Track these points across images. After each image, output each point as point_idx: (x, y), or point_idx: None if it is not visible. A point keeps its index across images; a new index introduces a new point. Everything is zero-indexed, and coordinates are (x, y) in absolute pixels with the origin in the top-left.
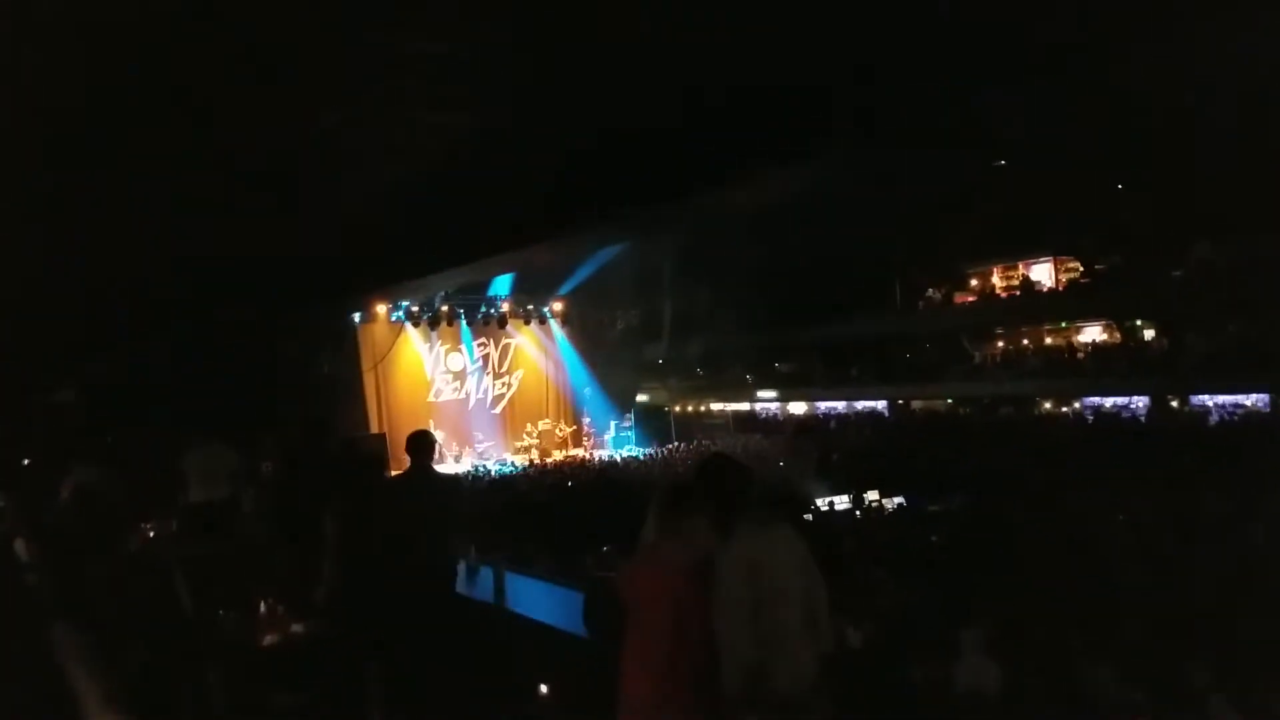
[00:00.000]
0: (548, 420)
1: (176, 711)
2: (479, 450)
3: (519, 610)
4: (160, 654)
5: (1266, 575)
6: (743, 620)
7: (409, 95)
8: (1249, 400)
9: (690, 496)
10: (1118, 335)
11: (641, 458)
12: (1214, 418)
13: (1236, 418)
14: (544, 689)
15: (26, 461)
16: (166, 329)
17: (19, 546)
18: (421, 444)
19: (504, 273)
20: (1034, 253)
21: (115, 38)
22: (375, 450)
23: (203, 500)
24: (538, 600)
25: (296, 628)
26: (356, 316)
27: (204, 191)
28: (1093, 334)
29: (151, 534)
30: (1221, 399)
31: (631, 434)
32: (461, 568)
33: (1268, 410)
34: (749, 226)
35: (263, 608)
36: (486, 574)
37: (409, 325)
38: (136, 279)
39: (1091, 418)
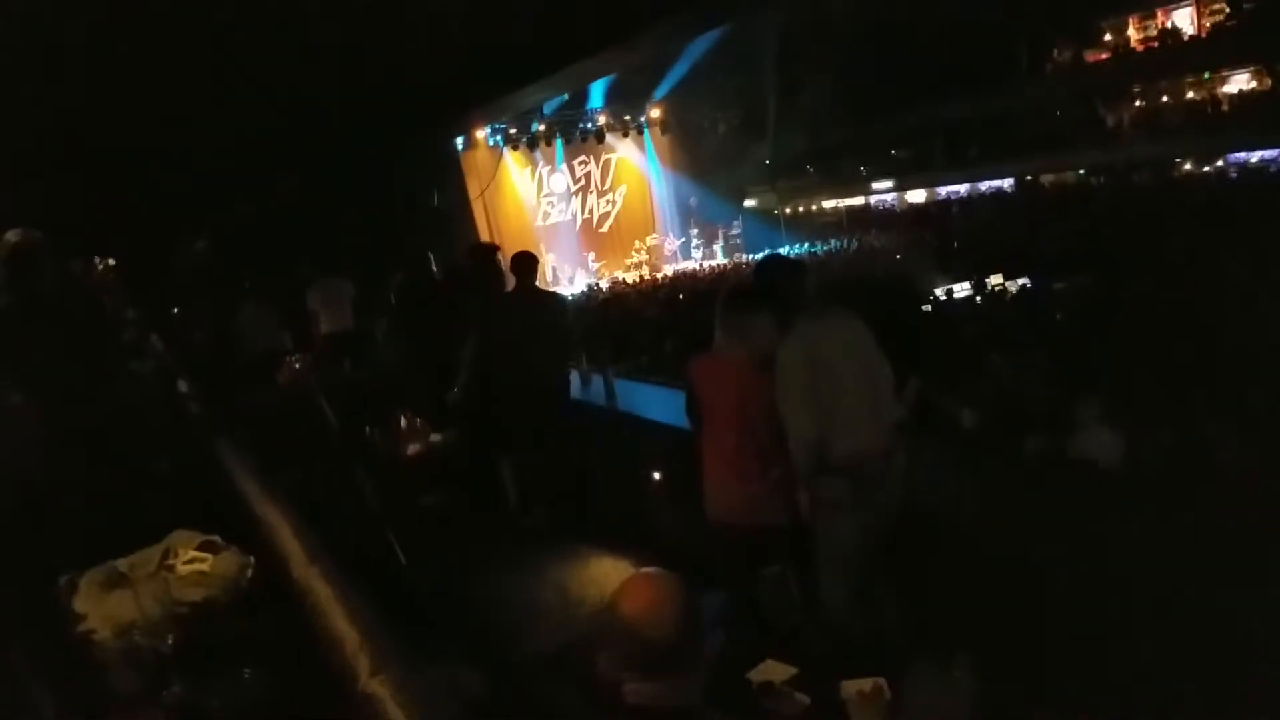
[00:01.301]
0: (655, 235)
1: (337, 518)
2: (591, 270)
3: (629, 410)
4: (318, 469)
5: None
6: (800, 401)
7: None
8: None
9: (747, 297)
10: (1268, 81)
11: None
12: None
13: None
14: (656, 476)
15: (176, 310)
16: (282, 172)
17: (181, 384)
18: (524, 264)
19: (598, 78)
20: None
21: None
22: (495, 264)
23: (333, 330)
24: (645, 400)
25: (435, 437)
26: (459, 145)
27: (294, 27)
28: (1240, 83)
29: (296, 365)
30: None
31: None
32: (574, 377)
33: None
34: (848, 4)
35: (403, 422)
36: (597, 381)
37: (509, 150)
38: (249, 126)
39: (1236, 174)
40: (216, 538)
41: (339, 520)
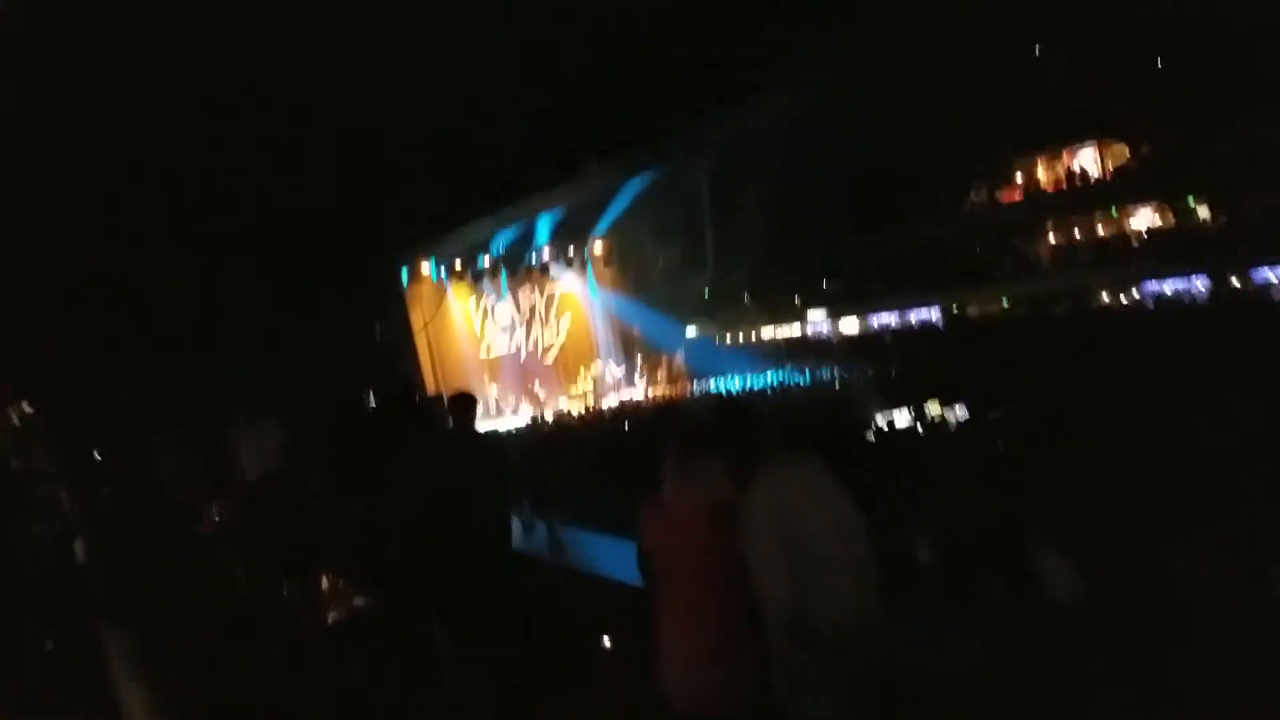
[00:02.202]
0: (599, 364)
1: (246, 694)
2: (537, 400)
3: (576, 564)
4: (226, 642)
5: None
6: (773, 564)
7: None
8: None
9: (699, 441)
10: (1171, 217)
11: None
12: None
13: None
14: (607, 641)
15: (95, 454)
16: (213, 304)
17: (77, 546)
18: (461, 405)
19: (541, 212)
20: (1076, 140)
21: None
22: (432, 412)
23: (258, 476)
24: (594, 552)
25: (359, 600)
26: (404, 278)
27: (245, 153)
28: (1145, 218)
29: (216, 517)
30: None
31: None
32: (516, 525)
33: None
34: (781, 143)
35: (325, 583)
36: (540, 529)
37: (453, 282)
38: (182, 261)
39: (1151, 304)
40: None
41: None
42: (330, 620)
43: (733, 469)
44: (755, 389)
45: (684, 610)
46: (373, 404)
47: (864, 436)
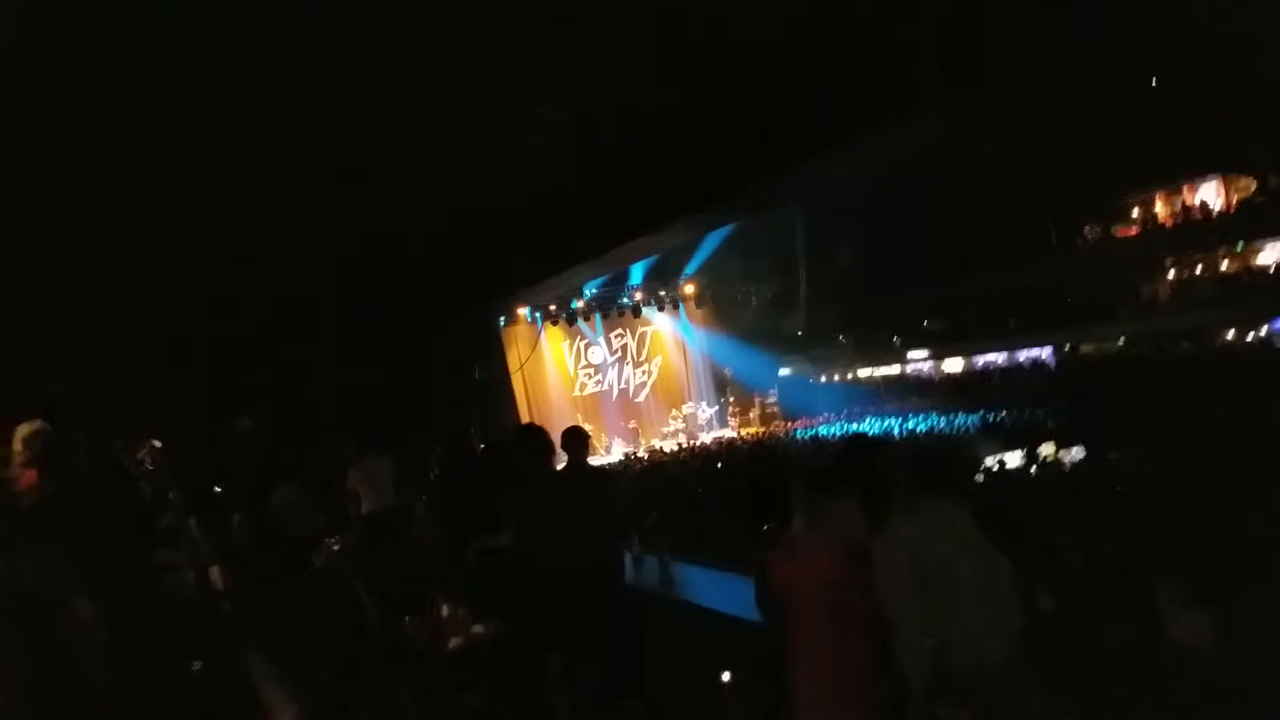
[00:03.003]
0: (691, 404)
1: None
2: (630, 438)
3: (689, 598)
4: (352, 667)
5: None
6: (910, 606)
7: (542, 92)
8: None
9: (832, 481)
10: None
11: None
12: None
13: None
14: (726, 676)
15: (218, 489)
16: (326, 348)
17: (214, 574)
18: (575, 440)
19: (635, 261)
20: (1199, 173)
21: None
22: (542, 441)
23: (374, 509)
24: (707, 588)
25: (478, 628)
26: (501, 320)
27: (345, 202)
28: (1274, 254)
29: (335, 548)
30: None
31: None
32: (627, 559)
33: None
34: (886, 180)
35: (444, 610)
36: (651, 563)
37: (548, 324)
38: (299, 309)
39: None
40: None
41: None
42: (451, 647)
43: (866, 509)
44: (866, 431)
45: (814, 651)
46: (481, 441)
47: (991, 478)
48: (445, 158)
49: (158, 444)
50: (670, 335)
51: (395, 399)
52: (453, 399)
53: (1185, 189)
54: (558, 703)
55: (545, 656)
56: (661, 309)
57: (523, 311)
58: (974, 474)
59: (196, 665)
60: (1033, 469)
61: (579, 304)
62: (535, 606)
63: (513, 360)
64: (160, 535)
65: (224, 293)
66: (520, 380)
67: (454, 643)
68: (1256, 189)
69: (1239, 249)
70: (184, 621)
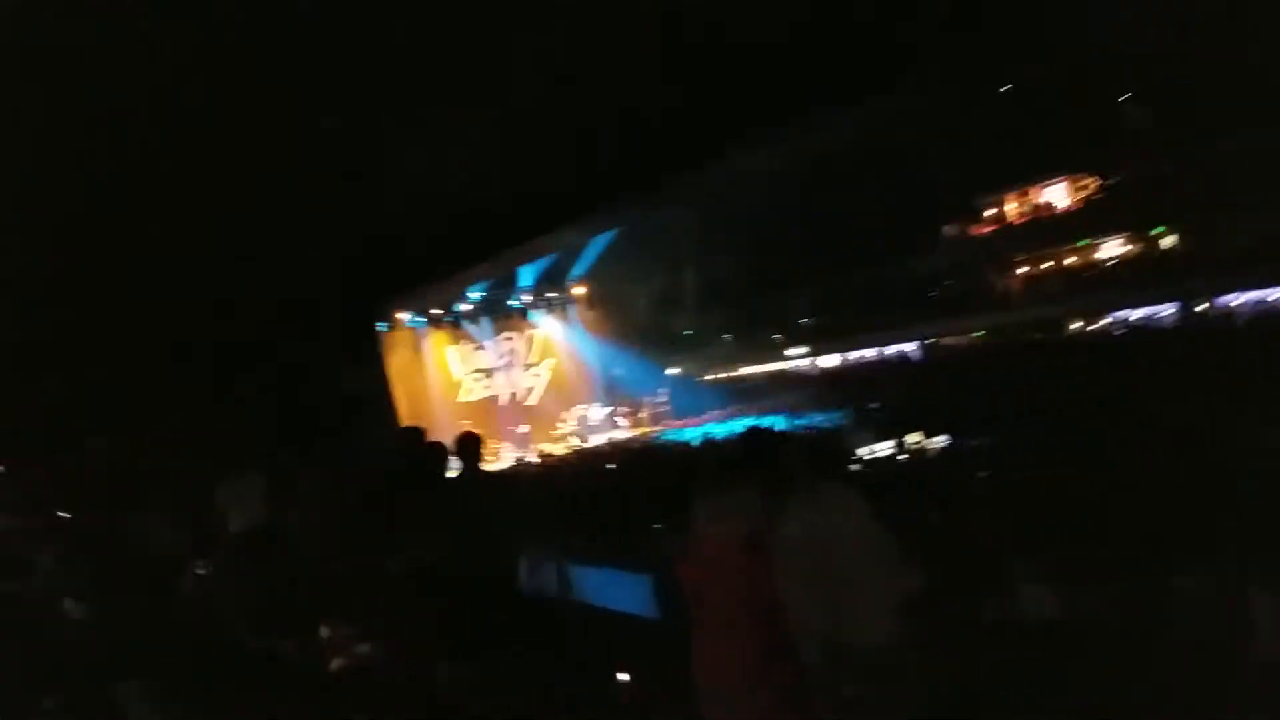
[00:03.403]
0: (582, 406)
1: None
2: (520, 443)
3: (588, 600)
4: (232, 691)
5: None
6: (805, 588)
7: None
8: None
9: (733, 472)
10: (1139, 246)
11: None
12: (1241, 315)
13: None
14: (625, 676)
15: (66, 515)
16: (189, 359)
17: (68, 605)
18: (469, 446)
19: (523, 264)
20: (1046, 175)
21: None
22: (431, 449)
23: (243, 528)
24: (605, 588)
25: (363, 648)
26: (382, 326)
27: (220, 213)
28: (1114, 248)
29: (202, 571)
30: (1248, 295)
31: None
32: (522, 566)
33: None
34: (761, 185)
35: (324, 632)
36: (548, 568)
37: (431, 328)
38: (157, 319)
39: (1121, 331)
40: None
41: None
42: (334, 669)
43: (767, 497)
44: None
45: (718, 640)
46: (361, 451)
47: (865, 467)
48: (325, 158)
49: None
50: (560, 337)
51: (267, 411)
52: (331, 410)
53: (1034, 190)
54: (454, 717)
55: (439, 670)
56: (551, 311)
57: (404, 316)
58: (851, 463)
59: (49, 703)
60: (901, 457)
61: (464, 307)
62: (429, 619)
63: (393, 367)
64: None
65: (82, 303)
66: (402, 388)
67: (336, 664)
68: (1098, 188)
69: (1082, 244)
70: (30, 656)
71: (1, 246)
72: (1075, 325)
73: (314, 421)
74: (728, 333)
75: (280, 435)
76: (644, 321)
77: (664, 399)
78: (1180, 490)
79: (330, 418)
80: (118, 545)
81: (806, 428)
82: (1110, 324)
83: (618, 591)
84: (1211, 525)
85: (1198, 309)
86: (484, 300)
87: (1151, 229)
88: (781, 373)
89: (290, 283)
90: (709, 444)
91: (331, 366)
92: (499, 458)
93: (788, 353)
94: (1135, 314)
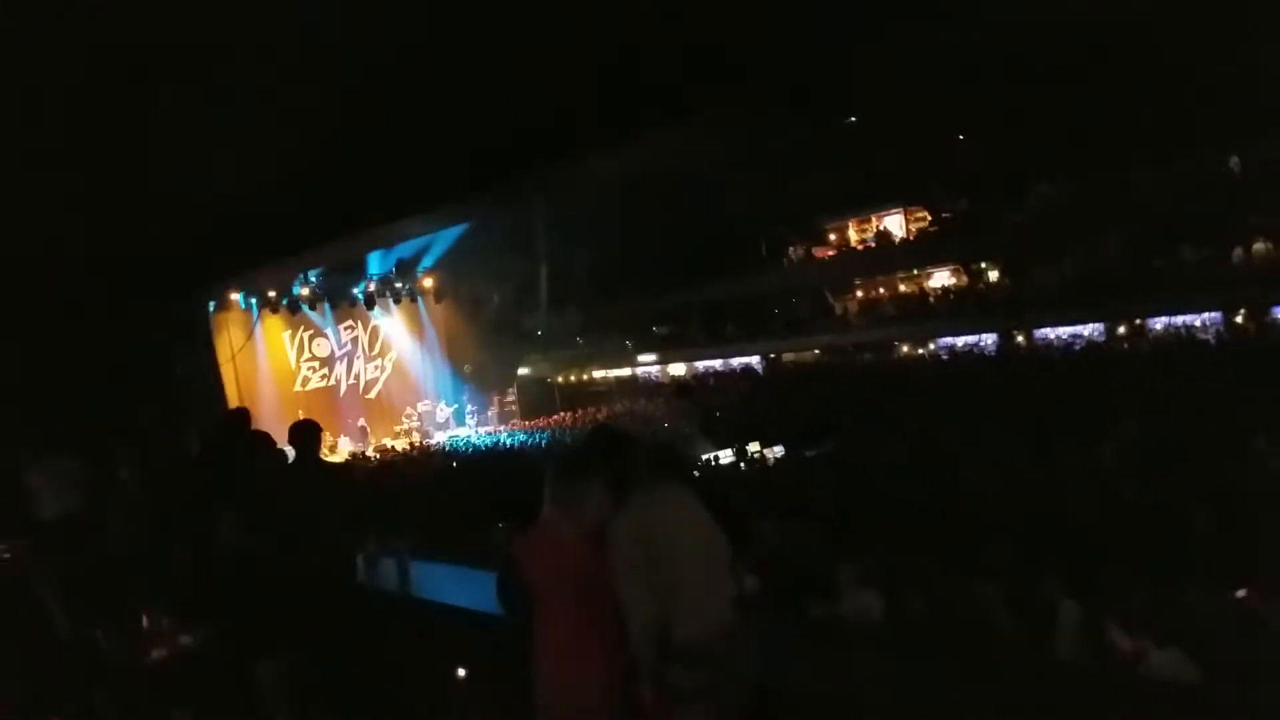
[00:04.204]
0: (426, 402)
1: None
2: (359, 437)
3: (426, 596)
4: (39, 684)
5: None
6: (638, 581)
7: (264, 67)
8: (1087, 330)
9: (581, 468)
10: (965, 278)
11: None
12: (1056, 348)
13: (1076, 347)
14: (461, 672)
15: None
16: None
17: None
18: (305, 434)
19: (367, 251)
20: (885, 205)
21: None
22: (255, 435)
23: (57, 515)
24: (445, 585)
25: (185, 639)
26: (210, 306)
27: (34, 173)
28: (943, 278)
29: (6, 556)
30: (1062, 330)
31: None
32: (359, 560)
33: (1103, 338)
34: (618, 192)
35: (145, 621)
36: (388, 563)
37: (266, 312)
38: None
39: (945, 356)
40: None
41: None
42: (154, 659)
43: (610, 494)
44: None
45: (559, 633)
46: (187, 435)
47: (707, 472)
48: (151, 132)
49: None
50: (406, 330)
51: (84, 392)
52: (152, 393)
53: (874, 218)
54: (277, 712)
55: (262, 664)
56: (398, 301)
57: (236, 297)
58: (693, 468)
59: None
60: (741, 465)
61: (304, 291)
62: (255, 612)
63: (223, 350)
64: None
65: None
66: (231, 372)
67: (157, 655)
68: (930, 221)
69: (914, 273)
70: None
71: None
72: (903, 348)
73: (134, 402)
74: (580, 336)
75: (97, 416)
76: (496, 318)
77: (512, 398)
78: (995, 504)
79: (152, 399)
80: None
81: (652, 434)
82: (935, 349)
83: (458, 587)
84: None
85: (1017, 339)
86: (325, 285)
87: (977, 263)
88: (631, 378)
89: (111, 254)
90: (556, 445)
91: (153, 344)
92: (335, 451)
93: (639, 359)
94: (959, 341)
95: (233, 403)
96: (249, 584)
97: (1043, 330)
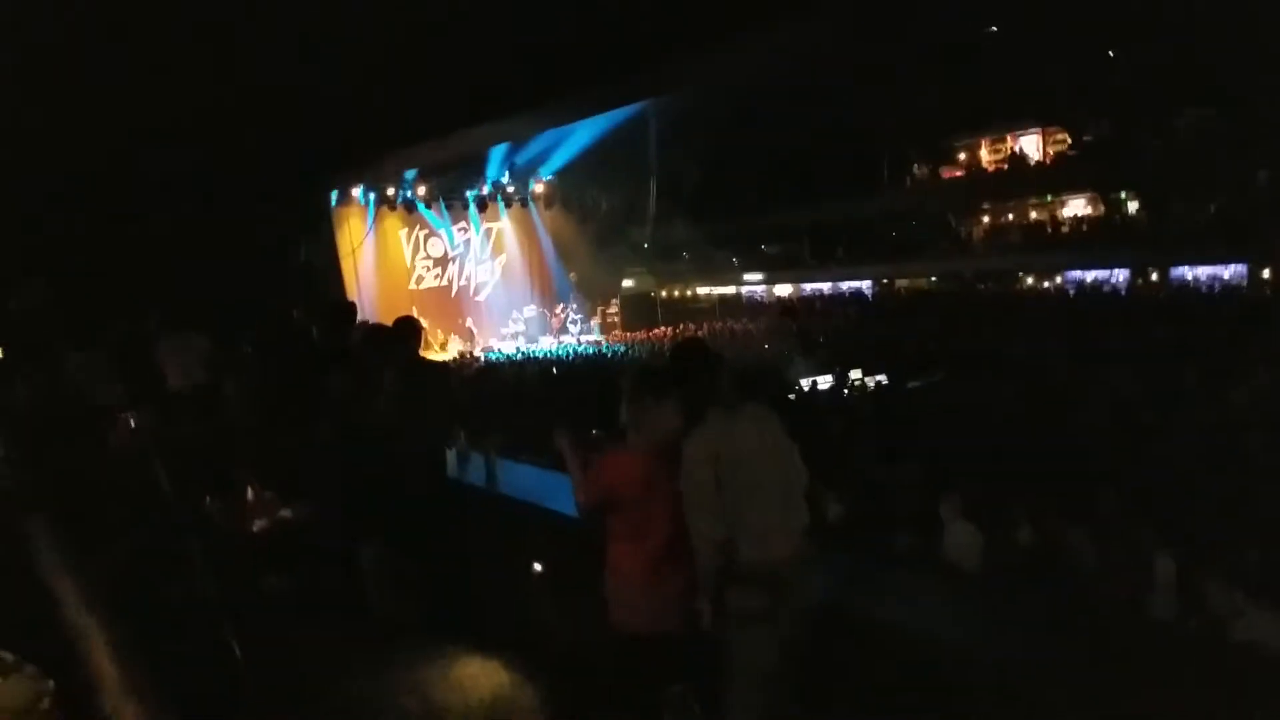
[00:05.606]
0: (532, 307)
1: (166, 597)
2: (464, 338)
3: (510, 493)
4: (147, 541)
5: (1234, 445)
6: (704, 500)
7: None
8: (1227, 272)
9: (659, 382)
10: (1102, 208)
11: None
12: (1193, 290)
13: (1215, 290)
14: (538, 566)
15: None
16: (140, 216)
17: None
18: (407, 331)
19: (483, 147)
20: (1022, 124)
21: None
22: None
23: (182, 386)
24: (528, 483)
25: (285, 513)
26: (333, 198)
27: (172, 71)
28: (1077, 207)
29: (133, 423)
30: (1201, 271)
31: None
32: (452, 454)
33: (1244, 282)
34: (734, 107)
35: (250, 493)
36: (477, 460)
37: (384, 208)
38: (111, 166)
39: (1073, 291)
40: (7, 655)
41: (166, 609)
42: (255, 529)
43: (687, 410)
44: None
45: (637, 543)
46: (304, 323)
47: (805, 397)
48: (275, 24)
49: None
50: (518, 234)
51: (214, 273)
52: (277, 279)
53: (1009, 137)
54: (369, 590)
55: (357, 542)
56: (510, 205)
57: (356, 192)
58: (789, 392)
59: None
60: (844, 392)
61: (420, 190)
62: (353, 496)
63: (344, 244)
64: None
65: (16, 151)
66: (351, 266)
67: (258, 525)
68: (1070, 144)
69: (1048, 200)
70: None
71: None
72: (1027, 280)
73: (260, 286)
74: (686, 251)
75: (225, 297)
76: (605, 229)
77: (615, 310)
78: (1106, 450)
79: (277, 284)
80: (55, 387)
81: (749, 354)
82: (1062, 283)
83: (539, 487)
84: (1132, 485)
85: (1151, 277)
86: (441, 186)
87: (1117, 192)
88: (735, 297)
89: (239, 148)
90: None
91: (280, 233)
92: (445, 349)
93: (744, 277)
94: (1089, 276)
95: (351, 294)
96: (348, 469)
97: (1180, 269)
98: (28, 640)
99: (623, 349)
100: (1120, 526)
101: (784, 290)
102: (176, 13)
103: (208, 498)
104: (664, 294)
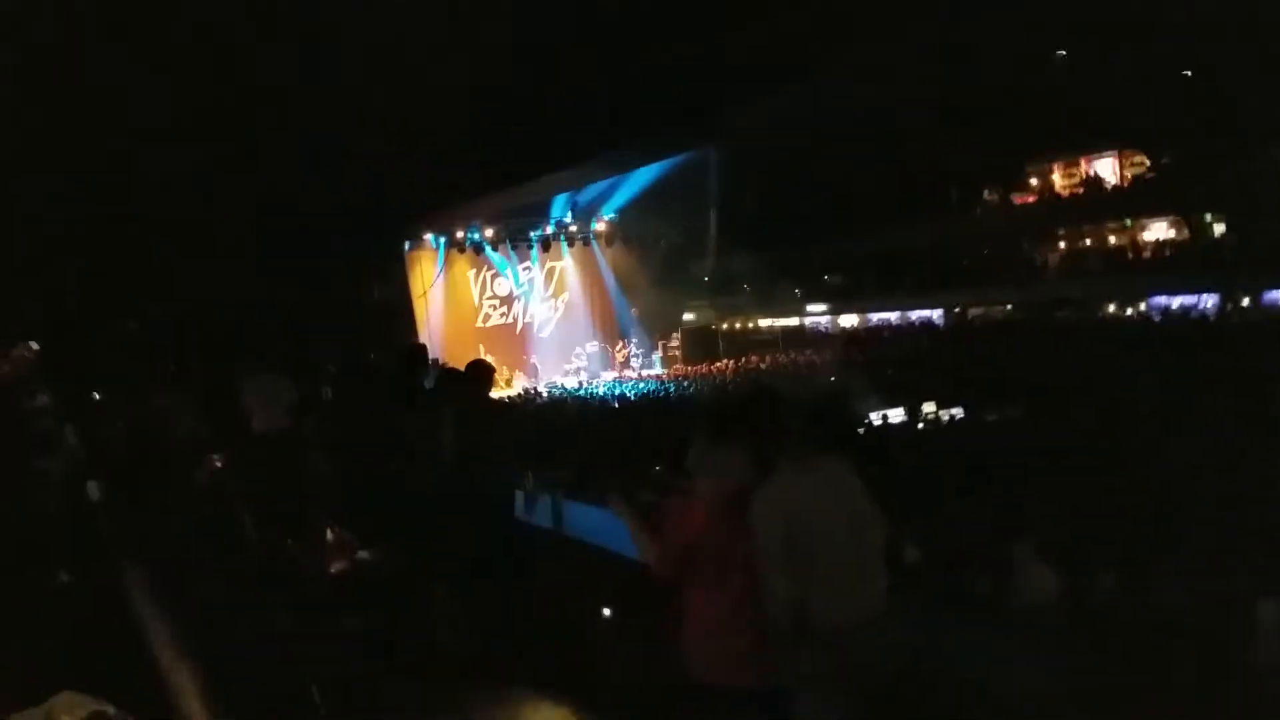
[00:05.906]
0: (594, 343)
1: (247, 638)
2: (528, 374)
3: (576, 535)
4: (230, 584)
5: None
6: (774, 559)
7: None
8: None
9: (724, 433)
10: (1185, 231)
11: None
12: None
13: None
14: (607, 611)
15: (96, 395)
16: (224, 261)
17: (90, 487)
18: (479, 373)
19: (549, 195)
20: (1097, 147)
21: None
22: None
23: (265, 430)
24: (595, 525)
25: (363, 554)
26: (406, 244)
27: (255, 123)
28: (1159, 230)
29: (219, 464)
30: None
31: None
32: (520, 495)
33: None
34: (796, 136)
35: (329, 535)
36: (543, 500)
37: (454, 252)
38: (194, 213)
39: (1157, 318)
40: (109, 708)
41: (248, 656)
42: (334, 571)
43: (756, 459)
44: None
45: (700, 592)
46: (379, 366)
47: (877, 435)
48: (360, 71)
49: (33, 345)
50: (580, 272)
51: (292, 316)
52: (354, 322)
53: (1083, 161)
54: (442, 631)
55: (432, 585)
56: (573, 245)
57: (428, 237)
58: (859, 428)
59: (64, 577)
60: (919, 426)
61: (489, 233)
62: (428, 535)
63: (415, 285)
64: (34, 441)
65: (112, 197)
66: (423, 307)
67: (337, 566)
68: (1148, 167)
69: (1128, 224)
70: (55, 530)
71: None
72: (1108, 307)
73: (337, 329)
74: (747, 283)
75: (305, 342)
76: (665, 264)
77: (677, 344)
78: (1191, 488)
79: (353, 327)
80: (146, 429)
81: (815, 389)
82: (1146, 309)
83: (607, 530)
84: (1222, 523)
85: (1242, 302)
86: (508, 227)
87: (1201, 214)
88: (800, 328)
89: (320, 193)
90: (714, 396)
91: (356, 277)
92: (510, 385)
93: (807, 308)
94: (1174, 302)
95: (421, 333)
96: (421, 511)
97: (1273, 294)
98: (122, 689)
99: (686, 384)
100: (1218, 570)
101: (849, 320)
102: (271, 73)
103: (289, 539)
104: (725, 326)
